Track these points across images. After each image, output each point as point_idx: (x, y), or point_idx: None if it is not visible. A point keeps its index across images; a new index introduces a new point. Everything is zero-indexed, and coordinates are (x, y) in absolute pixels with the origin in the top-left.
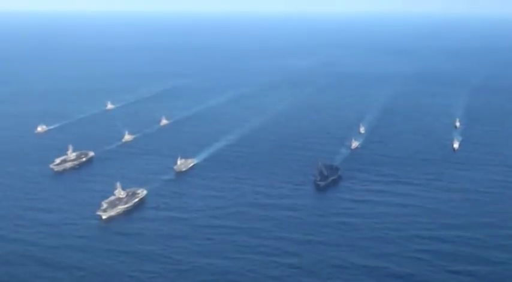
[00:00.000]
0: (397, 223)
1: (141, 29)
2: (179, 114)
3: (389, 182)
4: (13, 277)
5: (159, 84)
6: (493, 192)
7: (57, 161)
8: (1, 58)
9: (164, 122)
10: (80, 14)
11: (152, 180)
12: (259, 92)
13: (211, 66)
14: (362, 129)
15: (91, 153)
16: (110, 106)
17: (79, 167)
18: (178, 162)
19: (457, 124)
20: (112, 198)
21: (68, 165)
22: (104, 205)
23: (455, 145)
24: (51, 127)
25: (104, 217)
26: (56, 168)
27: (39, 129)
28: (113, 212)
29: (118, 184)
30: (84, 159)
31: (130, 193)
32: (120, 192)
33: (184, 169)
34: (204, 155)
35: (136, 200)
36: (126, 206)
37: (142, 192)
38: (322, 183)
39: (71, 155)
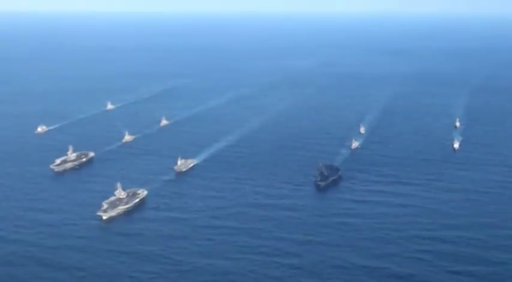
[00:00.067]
0: (397, 223)
1: (141, 30)
2: (179, 114)
3: (390, 183)
4: (13, 278)
5: (159, 85)
6: (493, 193)
7: (58, 161)
8: (1, 58)
9: (164, 122)
10: (80, 14)
11: (152, 180)
12: (259, 92)
13: (211, 67)
14: (362, 130)
15: (91, 154)
16: (110, 106)
17: (79, 168)
18: (179, 162)
19: (457, 124)
20: (112, 198)
21: (68, 165)
22: (105, 205)
23: (456, 145)
24: (51, 127)
25: (104, 217)
26: (56, 169)
27: (39, 129)
28: (113, 213)
29: (118, 184)
30: (84, 159)
31: (130, 193)
32: (120, 193)
33: (184, 169)
34: (204, 155)
35: (137, 200)
36: (126, 206)
37: (142, 193)
38: (322, 184)
39: (71, 155)
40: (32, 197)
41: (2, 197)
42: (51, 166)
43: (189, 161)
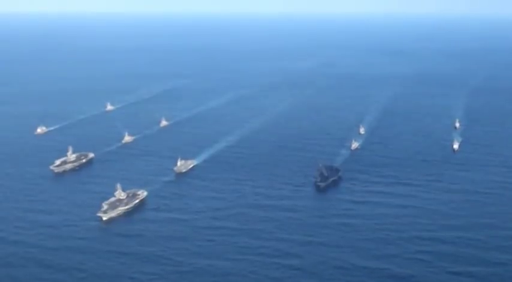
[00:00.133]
0: (397, 224)
1: (140, 30)
2: (179, 115)
3: (390, 183)
4: (14, 279)
5: (159, 85)
6: (493, 193)
7: (57, 162)
8: (1, 59)
9: (164, 123)
10: (80, 15)
11: (152, 181)
12: (259, 93)
13: (211, 67)
14: (362, 130)
15: (91, 155)
16: (109, 107)
17: (79, 169)
18: (179, 163)
19: (457, 125)
20: (112, 199)
21: (68, 166)
22: (105, 206)
23: (455, 146)
24: (51, 128)
25: (104, 218)
26: (56, 170)
27: (38, 130)
28: (113, 214)
29: (118, 185)
30: (84, 160)
31: (130, 194)
32: (120, 194)
33: (184, 170)
34: (204, 156)
35: (137, 201)
36: (126, 207)
37: (142, 194)
38: (322, 184)
39: (71, 156)
40: (32, 198)
41: (1, 198)
42: (51, 167)
43: (189, 161)
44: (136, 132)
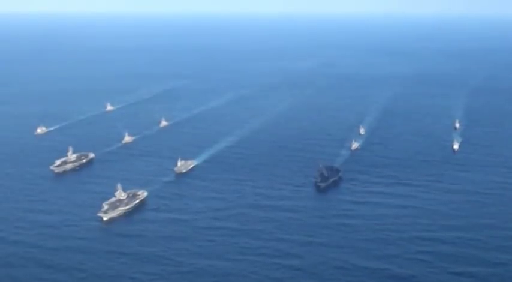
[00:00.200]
0: (398, 224)
1: (140, 30)
2: (179, 115)
3: (390, 184)
4: (14, 279)
5: (159, 86)
6: (493, 194)
7: (58, 162)
8: (1, 59)
9: (164, 123)
10: (80, 15)
11: (152, 181)
12: (259, 93)
13: (211, 67)
14: (362, 131)
15: (91, 155)
16: (109, 107)
17: (79, 169)
18: (179, 163)
19: (457, 125)
20: (113, 199)
21: (68, 166)
22: (105, 207)
23: (455, 146)
24: (51, 128)
25: (104, 219)
26: (56, 170)
27: (38, 130)
28: (113, 214)
29: (119, 185)
30: (84, 160)
31: (130, 194)
32: (120, 194)
33: (184, 171)
34: (204, 156)
35: (137, 201)
36: (126, 207)
37: (142, 194)
38: (322, 185)
39: (71, 156)
40: (32, 198)
41: (2, 198)
42: (51, 167)
43: (189, 162)
44: (136, 133)
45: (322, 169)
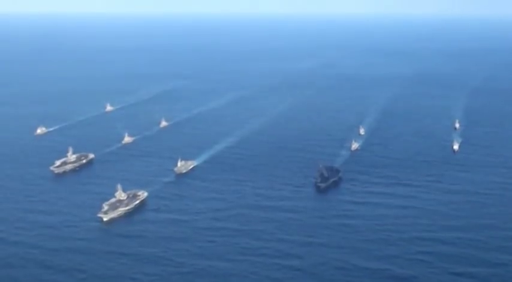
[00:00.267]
0: (398, 225)
1: (140, 31)
2: (179, 116)
3: (390, 184)
4: (14, 280)
5: (159, 86)
6: (493, 194)
7: (58, 163)
8: (1, 60)
9: (164, 123)
10: (80, 15)
11: (152, 182)
12: (259, 93)
13: (210, 68)
14: (362, 131)
15: (91, 155)
16: (109, 108)
17: (79, 169)
18: (179, 164)
19: (457, 126)
20: (113, 200)
21: (68, 167)
22: (105, 207)
23: (455, 147)
24: (51, 129)
25: (105, 219)
26: (56, 171)
27: (38, 131)
28: (114, 214)
29: (119, 186)
30: (84, 161)
31: (131, 195)
32: (121, 194)
33: (184, 171)
34: (204, 157)
35: (137, 202)
36: (127, 208)
37: (143, 194)
38: (322, 185)
39: (71, 157)
40: (32, 199)
41: (2, 198)
42: (51, 168)
43: (189, 162)
44: (136, 133)
45: (322, 169)
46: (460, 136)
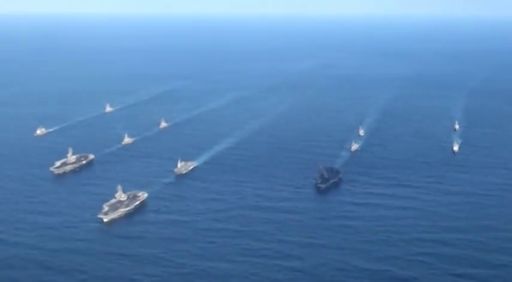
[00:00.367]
0: (398, 226)
1: (140, 31)
2: (179, 116)
3: (390, 185)
4: (15, 281)
5: (158, 87)
6: (493, 195)
7: (57, 163)
8: (1, 60)
9: (164, 124)
10: (80, 16)
11: (153, 183)
12: (259, 94)
13: (210, 68)
14: (362, 132)
15: (91, 156)
16: (108, 109)
17: (79, 170)
18: (179, 165)
19: (456, 127)
20: (113, 201)
21: (68, 168)
22: (105, 208)
23: (455, 148)
24: (51, 130)
25: (105, 220)
26: (56, 171)
27: (38, 132)
28: (114, 215)
29: (119, 187)
30: (84, 162)
31: (131, 196)
32: (121, 195)
33: (184, 172)
34: (204, 157)
35: (138, 202)
36: (127, 209)
37: (143, 195)
38: (323, 186)
39: (71, 157)
40: (32, 200)
41: (2, 199)
42: (51, 168)
43: (189, 163)
44: (136, 134)
45: (322, 170)
46: (459, 137)
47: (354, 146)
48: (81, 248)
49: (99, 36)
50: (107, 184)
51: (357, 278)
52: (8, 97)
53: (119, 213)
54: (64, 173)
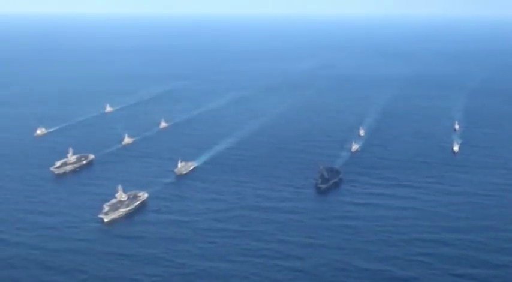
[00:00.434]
0: (398, 226)
1: (139, 31)
2: (178, 116)
3: (390, 185)
4: (15, 281)
5: (158, 87)
6: (493, 195)
7: (58, 164)
8: (1, 60)
9: (163, 124)
10: (80, 16)
11: (153, 183)
12: (259, 94)
13: (210, 69)
14: (362, 132)
15: (91, 156)
16: (108, 109)
17: (79, 170)
18: (179, 165)
19: (456, 127)
20: (113, 201)
21: (69, 168)
22: (106, 208)
23: (455, 148)
24: (51, 130)
25: (106, 220)
26: (57, 171)
27: (38, 132)
28: (114, 215)
29: (119, 187)
30: (84, 162)
31: (131, 196)
32: (121, 195)
33: (184, 172)
34: (204, 158)
35: (138, 203)
36: (127, 209)
37: (143, 195)
38: (323, 186)
39: (71, 157)
40: (32, 200)
41: (2, 199)
42: (51, 168)
43: (190, 163)
44: (136, 134)
45: (322, 170)
46: (460, 137)
47: (354, 146)
48: (82, 248)
49: (99, 36)
50: (107, 184)
51: (357, 278)
52: (8, 97)
53: (119, 213)
54: (64, 173)
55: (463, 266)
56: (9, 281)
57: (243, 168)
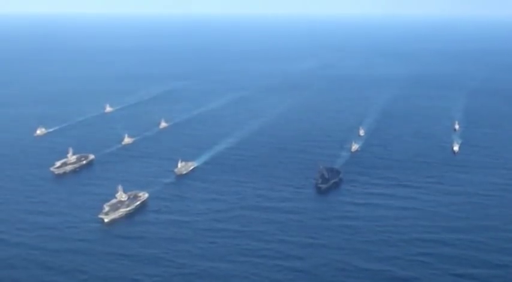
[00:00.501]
0: (398, 226)
1: (140, 31)
2: (178, 116)
3: (390, 185)
4: (16, 281)
5: (158, 87)
6: (494, 195)
7: (58, 164)
8: (1, 60)
9: (163, 124)
10: (80, 16)
11: (153, 183)
12: (259, 94)
13: (210, 68)
14: (362, 132)
15: (91, 156)
16: (108, 109)
17: (79, 170)
18: (179, 165)
19: (456, 127)
20: (114, 201)
21: (69, 168)
22: (106, 208)
23: (455, 148)
24: (51, 130)
25: (106, 220)
26: (57, 171)
27: (38, 132)
28: (115, 215)
29: (120, 187)
30: (84, 162)
31: (131, 196)
32: (121, 195)
33: (184, 172)
34: (204, 158)
35: (138, 203)
36: (128, 209)
37: (143, 195)
38: (323, 186)
39: (71, 158)
40: (32, 200)
41: (2, 199)
42: (52, 169)
43: (190, 163)
44: (136, 134)
45: (322, 170)
46: (459, 137)
47: (354, 146)
48: (82, 248)
49: (99, 36)
50: (107, 184)
51: (358, 278)
52: (8, 97)
53: (120, 214)
54: (64, 173)
55: (463, 266)
56: (9, 281)
57: (243, 168)
